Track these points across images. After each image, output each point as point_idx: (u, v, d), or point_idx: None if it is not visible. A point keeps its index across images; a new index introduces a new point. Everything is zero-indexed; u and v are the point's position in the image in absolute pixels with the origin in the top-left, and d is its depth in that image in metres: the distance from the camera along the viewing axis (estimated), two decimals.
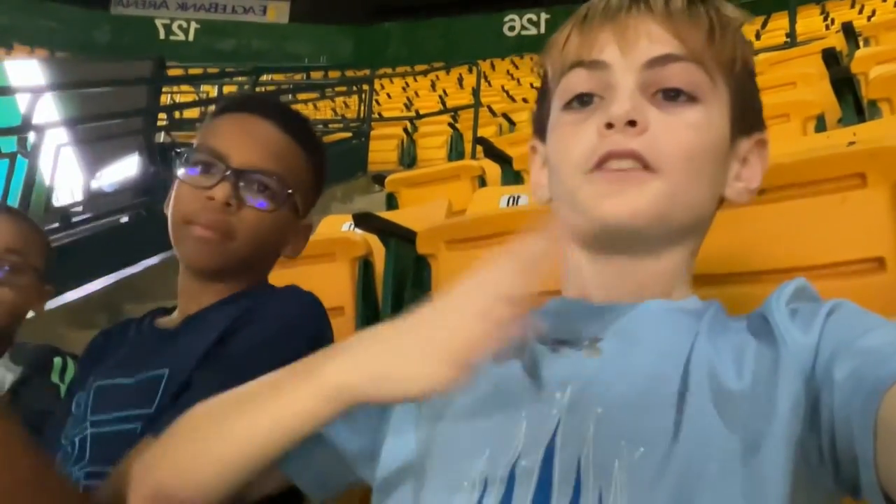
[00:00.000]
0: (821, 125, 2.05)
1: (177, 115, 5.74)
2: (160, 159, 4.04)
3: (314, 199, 1.01)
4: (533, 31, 11.97)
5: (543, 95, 0.67)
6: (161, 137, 5.38)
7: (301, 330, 0.84)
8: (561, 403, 0.52)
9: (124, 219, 4.02)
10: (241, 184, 0.89)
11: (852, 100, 2.15)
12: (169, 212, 0.92)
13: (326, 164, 1.02)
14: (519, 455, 0.50)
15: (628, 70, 0.58)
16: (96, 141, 4.62)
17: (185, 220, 0.89)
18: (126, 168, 4.49)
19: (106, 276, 3.23)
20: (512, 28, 12.30)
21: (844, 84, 2.16)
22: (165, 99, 6.34)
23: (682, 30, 0.58)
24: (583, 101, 0.60)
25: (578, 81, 0.60)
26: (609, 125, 0.56)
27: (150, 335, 0.92)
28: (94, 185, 4.65)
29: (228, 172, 0.88)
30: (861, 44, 3.56)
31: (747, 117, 0.62)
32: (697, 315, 0.57)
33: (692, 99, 0.57)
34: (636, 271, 0.60)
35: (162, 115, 5.32)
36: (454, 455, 0.53)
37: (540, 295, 0.66)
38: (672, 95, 0.57)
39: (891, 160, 1.07)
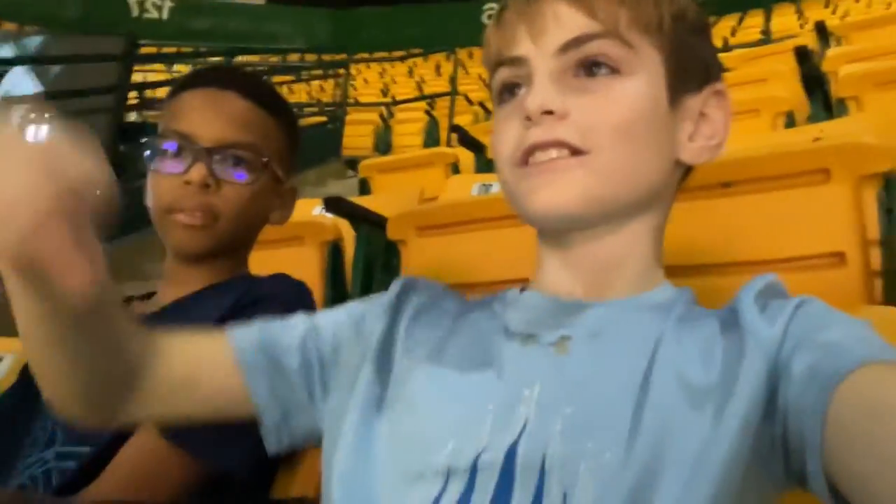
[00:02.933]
0: (790, 121, 2.08)
1: (149, 94, 5.64)
2: (131, 139, 3.98)
3: (292, 162, 0.99)
4: None
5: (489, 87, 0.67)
6: (132, 116, 5.29)
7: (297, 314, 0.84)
8: (529, 400, 0.51)
9: None
10: (216, 162, 0.87)
11: (822, 97, 2.18)
12: (149, 204, 0.91)
13: (297, 125, 1.00)
14: (483, 449, 0.50)
15: (542, 59, 0.57)
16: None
17: (167, 209, 0.88)
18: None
19: None
20: (491, 16, 12.27)
21: (815, 82, 2.19)
22: (138, 78, 6.22)
23: (592, 3, 0.57)
24: (511, 91, 0.60)
25: (504, 78, 0.61)
26: (527, 118, 0.56)
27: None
28: None
29: (200, 153, 0.86)
30: (833, 43, 3.61)
31: (692, 73, 0.60)
32: (667, 309, 0.56)
33: (614, 71, 0.57)
34: (596, 254, 0.59)
35: (133, 94, 5.22)
36: (417, 445, 0.52)
37: (509, 284, 0.67)
38: (593, 71, 0.57)
39: (854, 156, 1.09)
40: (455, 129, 3.31)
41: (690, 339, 0.53)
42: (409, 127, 6.25)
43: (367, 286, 1.67)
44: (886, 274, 1.10)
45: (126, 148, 3.98)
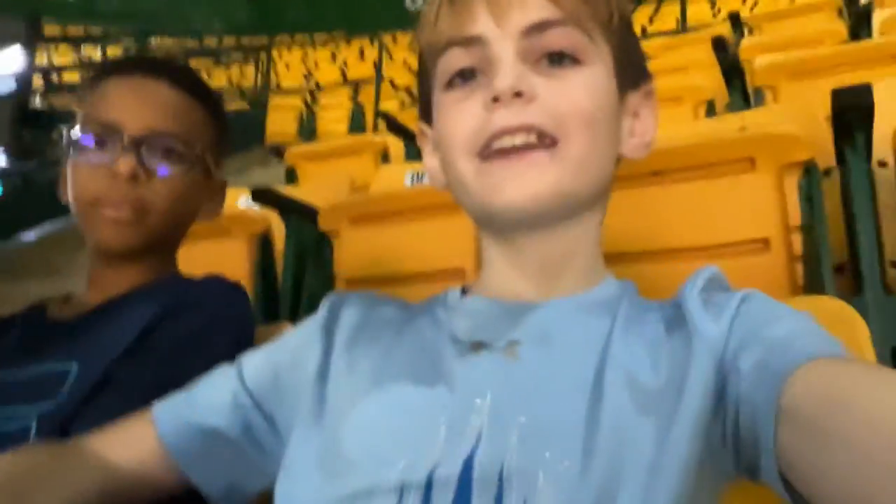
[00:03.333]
0: (711, 110, 2.14)
1: (54, 78, 5.34)
2: (36, 126, 3.75)
3: (222, 154, 0.95)
4: None
5: (423, 75, 0.63)
6: (37, 102, 5.00)
7: (229, 322, 0.79)
8: (482, 410, 0.50)
9: None
10: (144, 152, 0.82)
11: (740, 86, 2.25)
12: (69, 196, 0.84)
13: (225, 116, 0.96)
14: (437, 462, 0.48)
15: (505, 40, 0.55)
16: None
17: (92, 201, 0.82)
18: None
19: None
20: (414, 0, 12.19)
21: (733, 71, 2.26)
22: (42, 61, 5.87)
23: None
24: (464, 76, 0.57)
25: (456, 59, 0.57)
26: (495, 99, 0.53)
27: (43, 327, 0.84)
28: None
29: (128, 142, 0.81)
30: (746, 32, 3.75)
31: (631, 71, 0.61)
32: (612, 307, 0.56)
33: (576, 61, 0.56)
34: (546, 252, 0.58)
35: (37, 79, 4.93)
36: (367, 462, 0.50)
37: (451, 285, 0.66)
38: (556, 60, 0.55)
39: (777, 146, 1.13)
40: (383, 115, 3.27)
41: (638, 339, 0.52)
42: (334, 113, 6.15)
43: (299, 280, 1.63)
44: (807, 260, 1.15)
45: (31, 135, 3.76)
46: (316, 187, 2.24)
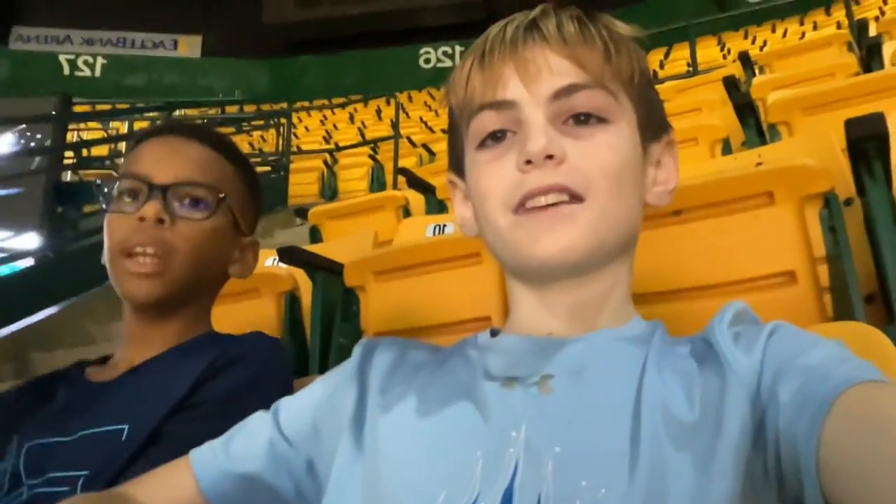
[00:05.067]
0: (727, 148, 2.15)
1: (84, 153, 5.52)
2: (67, 200, 3.87)
3: (254, 215, 0.98)
4: (448, 63, 12.17)
5: (454, 130, 0.67)
6: (68, 176, 5.15)
7: (273, 376, 0.81)
8: (517, 442, 0.51)
9: (29, 262, 3.81)
10: (171, 198, 0.85)
11: (754, 123, 2.27)
12: (104, 249, 0.87)
13: (257, 178, 0.99)
14: (477, 496, 0.49)
15: (535, 105, 0.58)
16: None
17: (120, 248, 0.84)
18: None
19: (10, 324, 3.04)
20: (427, 60, 12.49)
21: (746, 109, 2.28)
22: (72, 136, 6.07)
23: (580, 55, 0.59)
24: (496, 137, 0.60)
25: (489, 121, 0.60)
26: (528, 162, 0.56)
27: (85, 388, 0.85)
28: None
29: (155, 190, 0.85)
30: (756, 71, 3.79)
31: (653, 123, 0.64)
32: (644, 342, 0.57)
33: (602, 120, 0.59)
34: (578, 297, 0.60)
35: (69, 154, 5.10)
36: (408, 496, 0.51)
37: (483, 326, 0.67)
38: (582, 120, 0.58)
39: (795, 179, 1.14)
40: (402, 171, 3.32)
41: (671, 373, 0.53)
42: (354, 172, 6.25)
43: (327, 335, 1.64)
44: (835, 290, 1.14)
45: (64, 209, 3.86)
46: (340, 244, 2.27)
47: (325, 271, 1.70)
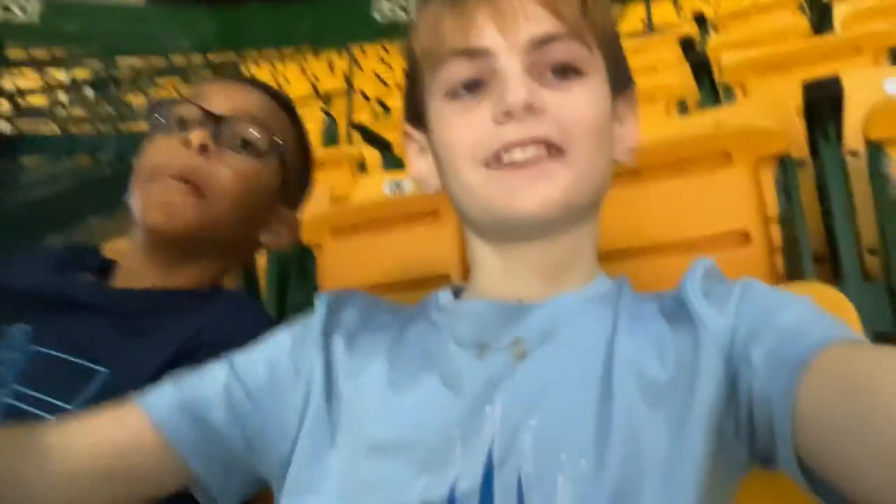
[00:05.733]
0: (683, 108, 2.17)
1: (21, 102, 5.26)
2: (4, 152, 3.70)
3: (301, 190, 0.91)
4: (403, 15, 11.93)
5: (415, 79, 0.63)
6: (5, 127, 4.92)
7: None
8: (493, 418, 0.50)
9: None
10: (222, 129, 0.79)
11: (709, 84, 2.29)
12: (135, 170, 0.80)
13: (313, 157, 0.92)
14: (456, 478, 0.48)
15: (512, 53, 0.55)
16: None
17: (152, 171, 0.77)
18: None
19: None
20: (381, 11, 12.22)
21: (702, 69, 2.30)
22: (8, 85, 5.77)
23: (557, 4, 0.56)
24: (468, 87, 0.57)
25: (461, 70, 0.57)
26: (507, 113, 0.54)
27: (102, 300, 0.77)
28: None
29: (206, 118, 0.78)
30: (711, 30, 3.81)
31: (620, 77, 0.62)
32: (612, 301, 0.57)
33: (579, 73, 0.57)
34: (548, 258, 0.59)
35: (3, 103, 4.86)
36: (387, 483, 0.50)
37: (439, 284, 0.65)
38: (560, 72, 0.56)
39: (753, 140, 1.15)
40: (357, 126, 3.26)
41: (642, 333, 0.53)
42: (307, 126, 6.12)
43: (283, 295, 1.62)
44: (787, 250, 1.17)
45: (1, 161, 3.70)
46: None
47: None
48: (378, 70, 8.58)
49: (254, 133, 0.81)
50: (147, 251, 0.80)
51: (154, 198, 0.77)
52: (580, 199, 0.56)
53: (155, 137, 0.81)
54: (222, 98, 0.81)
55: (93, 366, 0.70)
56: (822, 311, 0.50)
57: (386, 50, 10.20)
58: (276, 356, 0.61)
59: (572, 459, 0.46)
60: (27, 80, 7.26)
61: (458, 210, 0.61)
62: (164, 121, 0.81)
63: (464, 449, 0.49)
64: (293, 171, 0.88)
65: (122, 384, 0.67)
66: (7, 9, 10.69)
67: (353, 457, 0.53)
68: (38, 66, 7.17)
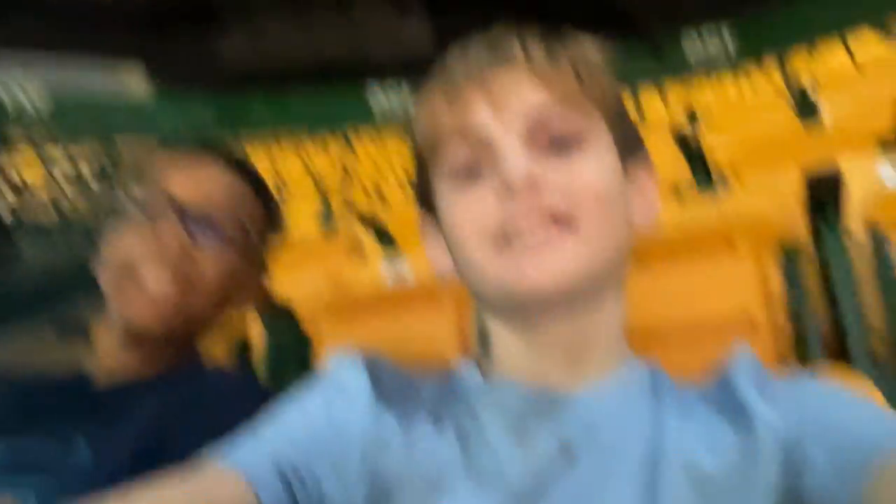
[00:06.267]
0: (678, 194, 2.21)
1: (27, 196, 5.29)
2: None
3: (268, 249, 0.91)
4: (397, 104, 12.29)
5: (420, 164, 0.63)
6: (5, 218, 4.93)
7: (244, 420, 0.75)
8: None
9: None
10: (192, 220, 0.78)
11: (703, 169, 2.34)
12: (104, 261, 0.79)
13: (280, 214, 0.93)
14: None
15: (508, 131, 0.54)
16: None
17: (127, 265, 0.76)
18: None
19: None
20: (377, 100, 12.57)
21: (696, 157, 2.36)
22: (12, 176, 5.82)
23: (550, 78, 0.55)
24: (467, 169, 0.56)
25: (459, 151, 0.56)
26: (509, 189, 0.52)
27: (72, 393, 0.77)
28: None
29: (175, 208, 0.78)
30: (701, 122, 3.93)
31: (629, 143, 0.60)
32: (652, 389, 0.55)
33: (579, 144, 0.55)
34: (571, 336, 0.56)
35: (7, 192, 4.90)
36: None
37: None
38: (558, 145, 0.55)
39: (757, 227, 1.16)
40: (351, 208, 3.29)
41: (690, 424, 0.51)
42: (301, 207, 6.17)
43: (280, 384, 1.58)
44: (794, 335, 1.16)
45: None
46: (292, 285, 2.21)
47: (277, 314, 1.65)
48: (373, 155, 8.77)
49: (223, 219, 0.82)
50: (125, 343, 0.80)
51: (133, 294, 0.77)
52: (595, 271, 0.54)
53: (123, 226, 0.80)
54: (189, 184, 0.81)
55: (70, 440, 0.69)
56: (879, 408, 0.48)
57: (380, 136, 10.46)
58: (313, 423, 0.56)
59: None
60: (31, 169, 7.35)
61: (471, 291, 0.59)
62: (131, 208, 0.81)
63: None
64: (260, 243, 0.89)
65: (107, 466, 0.66)
66: (15, 100, 10.93)
67: None
68: (44, 161, 7.28)
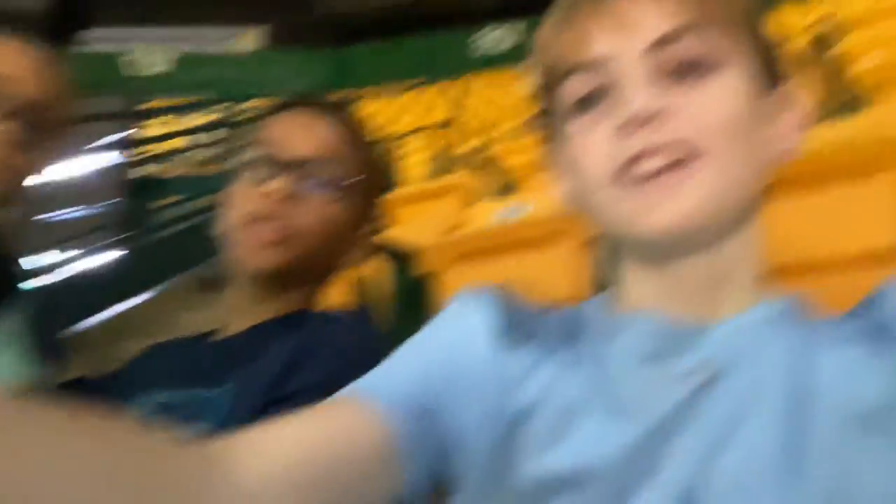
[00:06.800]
0: None
1: (149, 149, 5.67)
2: (144, 194, 4.00)
3: (377, 208, 0.97)
4: (509, 45, 12.06)
5: (546, 99, 0.61)
6: (134, 173, 5.32)
7: (361, 365, 0.80)
8: (684, 450, 0.47)
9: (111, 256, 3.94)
10: (299, 176, 0.86)
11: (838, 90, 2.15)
12: (224, 217, 0.89)
13: (385, 166, 1.01)
14: None
15: (633, 58, 0.51)
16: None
17: (243, 220, 0.86)
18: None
19: (97, 314, 3.14)
20: (485, 44, 12.38)
21: (832, 74, 2.17)
22: (139, 134, 6.26)
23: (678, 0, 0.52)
24: (588, 102, 0.54)
25: (581, 85, 0.54)
26: (627, 124, 0.50)
27: (197, 349, 0.89)
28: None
29: (283, 166, 0.85)
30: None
31: (771, 68, 0.56)
32: (798, 324, 0.53)
33: (712, 67, 0.52)
34: (705, 272, 0.54)
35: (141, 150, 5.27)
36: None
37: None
38: (688, 70, 0.51)
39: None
40: (466, 155, 3.29)
41: (843, 355, 0.49)
42: (415, 157, 6.24)
43: (402, 328, 1.63)
44: None
45: (140, 204, 4.00)
46: (410, 231, 2.26)
47: (400, 257, 1.69)
48: (486, 100, 8.69)
49: (329, 173, 0.87)
50: (247, 288, 0.88)
51: (249, 245, 0.85)
52: (722, 208, 0.51)
53: (238, 184, 0.89)
54: (300, 140, 0.88)
55: (218, 389, 0.78)
56: None
57: (493, 78, 10.32)
58: (441, 360, 0.55)
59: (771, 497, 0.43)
60: (160, 127, 7.85)
61: (599, 227, 0.58)
62: (245, 166, 0.89)
63: (649, 483, 0.46)
64: (370, 196, 0.94)
65: (248, 402, 0.74)
66: (138, 63, 11.63)
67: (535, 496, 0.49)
68: (175, 111, 7.75)
